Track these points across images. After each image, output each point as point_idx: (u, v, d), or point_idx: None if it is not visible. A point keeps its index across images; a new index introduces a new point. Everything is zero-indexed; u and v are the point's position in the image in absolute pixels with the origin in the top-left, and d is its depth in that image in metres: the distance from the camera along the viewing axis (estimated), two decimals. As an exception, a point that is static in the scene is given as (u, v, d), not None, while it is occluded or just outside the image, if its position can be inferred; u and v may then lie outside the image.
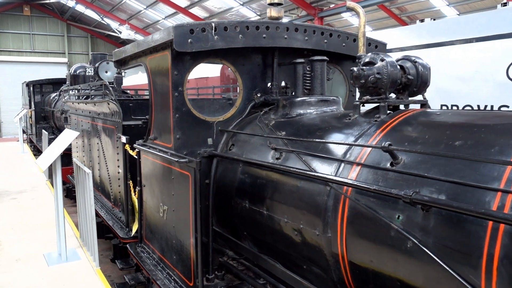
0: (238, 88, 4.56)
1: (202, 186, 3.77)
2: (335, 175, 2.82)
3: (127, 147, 5.55)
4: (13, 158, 16.24)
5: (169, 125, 4.18)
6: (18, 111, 23.29)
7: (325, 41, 4.45)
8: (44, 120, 18.28)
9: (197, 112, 4.20)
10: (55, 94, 16.53)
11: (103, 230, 7.17)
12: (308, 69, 4.11)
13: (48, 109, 16.92)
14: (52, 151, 4.65)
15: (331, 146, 3.04)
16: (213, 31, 3.80)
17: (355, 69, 3.09)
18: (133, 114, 6.51)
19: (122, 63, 5.55)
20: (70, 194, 12.09)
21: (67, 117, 12.64)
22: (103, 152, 6.96)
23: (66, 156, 13.96)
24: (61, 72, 26.16)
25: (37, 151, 19.04)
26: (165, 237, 4.44)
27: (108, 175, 6.75)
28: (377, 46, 4.81)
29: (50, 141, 15.29)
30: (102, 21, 33.57)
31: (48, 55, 35.20)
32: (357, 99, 3.30)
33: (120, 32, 32.20)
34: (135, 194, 5.48)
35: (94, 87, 8.08)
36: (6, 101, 32.38)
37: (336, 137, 3.13)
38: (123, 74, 12.51)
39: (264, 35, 4.07)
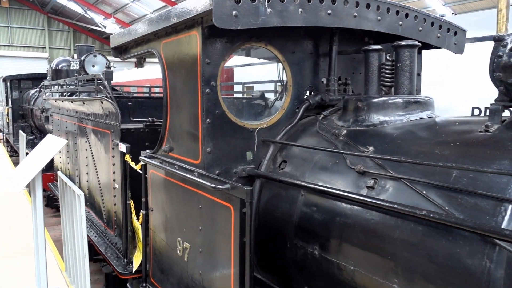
0: (284, 84, 3.43)
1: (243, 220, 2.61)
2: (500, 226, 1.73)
3: (128, 158, 4.35)
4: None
5: (195, 133, 3.03)
6: (-6, 108, 21.61)
7: (400, 23, 3.35)
8: (23, 118, 16.75)
9: (234, 116, 3.06)
10: (35, 90, 15.06)
11: (90, 250, 5.94)
12: (388, 58, 3.01)
13: (27, 107, 15.44)
14: (30, 165, 3.46)
15: (476, 175, 1.93)
16: (266, 2, 2.66)
17: (504, 54, 2.00)
18: (132, 115, 5.32)
19: (122, 51, 4.36)
20: (51, 203, 10.74)
21: (48, 116, 11.28)
22: (93, 160, 5.73)
23: (46, 160, 12.62)
24: (41, 68, 24.53)
25: (14, 152, 17.50)
26: (184, 284, 3.28)
27: (100, 190, 5.52)
28: (456, 33, 3.74)
29: (29, 142, 13.89)
30: (86, 15, 31.89)
31: (27, 49, 33.37)
32: (493, 101, 2.21)
33: (105, 27, 30.67)
34: (137, 219, 4.29)
35: (82, 82, 6.81)
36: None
37: (475, 159, 2.03)
38: (112, 68, 11.25)
39: (329, 11, 2.94)
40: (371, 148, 2.50)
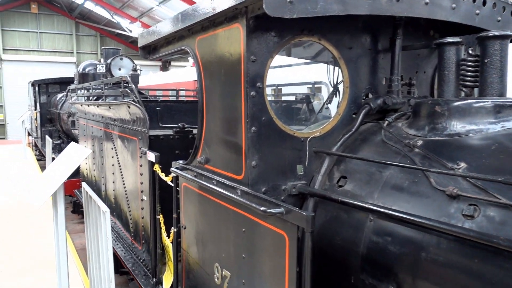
0: (340, 85, 2.95)
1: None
2: None
3: (157, 168, 3.95)
4: (13, 165, 14.72)
5: (237, 143, 2.58)
6: (24, 112, 21.88)
7: (477, 11, 2.82)
8: (50, 122, 16.79)
9: (282, 123, 2.60)
10: (62, 94, 15.03)
11: (116, 262, 5.59)
12: (470, 52, 2.48)
13: (54, 111, 15.43)
14: (51, 177, 3.10)
15: None
16: (325, -15, 2.20)
17: None
18: (161, 120, 4.94)
19: (151, 51, 3.97)
20: (77, 209, 10.55)
21: (74, 121, 11.12)
22: (120, 168, 5.37)
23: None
24: (69, 72, 24.77)
25: (42, 156, 17.57)
26: (223, 317, 2.83)
27: (127, 200, 5.16)
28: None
29: (56, 147, 13.81)
30: (112, 19, 32.14)
31: (56, 54, 33.88)
32: None
33: (131, 31, 30.80)
34: (168, 236, 3.88)
35: (108, 85, 6.50)
36: (12, 101, 31.20)
37: None
38: (138, 71, 11.00)
39: (398, -3, 2.45)
40: (462, 165, 1.99)
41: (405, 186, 2.14)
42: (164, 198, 4.07)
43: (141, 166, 4.52)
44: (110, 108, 5.45)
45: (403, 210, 2.00)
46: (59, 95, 15.55)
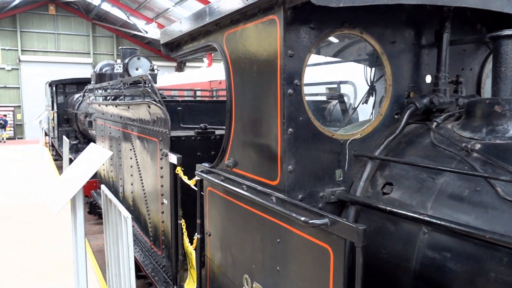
0: (382, 82, 2.72)
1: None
2: None
3: (179, 170, 3.77)
4: (31, 165, 14.77)
5: (271, 146, 2.37)
6: (41, 112, 22.06)
7: (534, 2, 2.56)
8: (67, 123, 16.84)
9: (319, 124, 2.38)
10: (79, 94, 15.04)
11: (135, 268, 5.43)
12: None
13: (71, 111, 15.45)
14: (70, 180, 2.93)
15: None
16: (374, -29, 1.98)
17: None
18: (182, 121, 4.77)
19: (174, 47, 3.79)
20: (94, 210, 10.46)
21: (91, 121, 11.06)
22: (139, 170, 5.22)
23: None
24: (85, 73, 24.93)
25: (58, 156, 17.65)
26: (253, 334, 2.62)
27: (146, 203, 5.00)
28: None
29: (72, 147, 13.79)
30: (128, 20, 32.30)
31: (73, 55, 34.21)
32: None
33: (147, 32, 30.90)
34: (190, 242, 3.69)
35: (126, 85, 6.35)
36: (30, 102, 31.59)
37: None
38: (155, 71, 10.87)
39: (449, -14, 2.22)
40: (534, 172, 1.75)
41: (465, 195, 1.91)
42: (184, 202, 3.89)
43: (161, 168, 4.35)
44: (129, 108, 5.30)
45: (464, 223, 1.77)
46: (76, 96, 15.58)
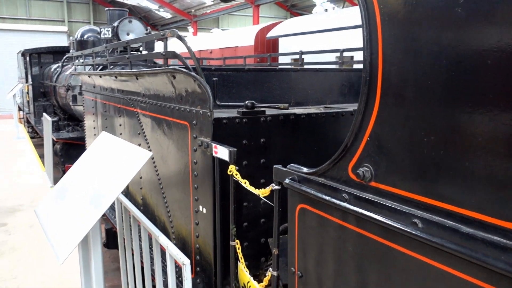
0: None
1: None
2: None
3: (234, 170, 2.55)
4: (6, 147, 13.16)
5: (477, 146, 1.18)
6: (14, 85, 20.07)
7: None
8: (44, 96, 15.12)
9: None
10: (57, 65, 13.35)
11: None
12: None
13: (49, 84, 13.77)
14: (77, 200, 1.68)
15: None
16: None
17: None
18: (218, 97, 3.49)
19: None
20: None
21: (75, 95, 9.56)
22: (154, 164, 3.95)
23: (71, 146, 10.85)
24: (61, 42, 22.90)
25: (35, 134, 15.99)
26: None
27: (167, 209, 3.75)
28: None
29: (52, 125, 12.21)
30: (106, -15, 29.94)
31: (45, 23, 31.70)
32: None
33: (127, -3, 28.76)
34: (256, 279, 2.51)
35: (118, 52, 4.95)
36: (0, 74, 29.27)
37: None
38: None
39: None
40: None
41: None
42: (224, 207, 2.70)
43: (195, 163, 3.11)
44: (137, 79, 3.99)
45: None
46: (54, 66, 13.87)
